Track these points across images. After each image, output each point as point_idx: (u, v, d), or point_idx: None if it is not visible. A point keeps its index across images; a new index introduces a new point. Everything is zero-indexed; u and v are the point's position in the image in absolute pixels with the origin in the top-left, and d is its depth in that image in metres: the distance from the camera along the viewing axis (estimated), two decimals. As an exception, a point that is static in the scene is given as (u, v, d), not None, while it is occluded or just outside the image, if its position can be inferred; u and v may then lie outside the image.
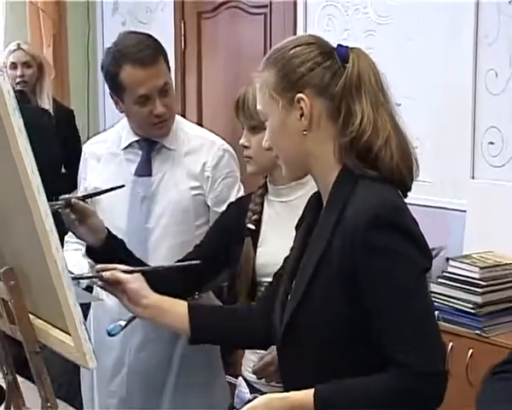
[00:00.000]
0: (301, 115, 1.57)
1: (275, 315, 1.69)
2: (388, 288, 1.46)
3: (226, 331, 1.86)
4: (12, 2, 4.87)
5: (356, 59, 1.57)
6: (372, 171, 1.54)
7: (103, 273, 1.86)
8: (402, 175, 1.56)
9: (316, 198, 1.70)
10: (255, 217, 2.19)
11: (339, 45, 1.61)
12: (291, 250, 1.77)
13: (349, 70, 1.56)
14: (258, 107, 1.65)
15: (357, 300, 1.48)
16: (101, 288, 1.91)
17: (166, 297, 1.86)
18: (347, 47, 1.60)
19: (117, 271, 1.87)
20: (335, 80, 1.56)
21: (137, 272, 1.89)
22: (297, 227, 1.79)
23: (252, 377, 2.16)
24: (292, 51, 1.59)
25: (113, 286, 1.86)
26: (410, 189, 1.61)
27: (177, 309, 1.83)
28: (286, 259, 1.81)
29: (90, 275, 2.00)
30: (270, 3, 4.16)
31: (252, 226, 2.18)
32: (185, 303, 1.83)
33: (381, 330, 1.47)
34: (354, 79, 1.55)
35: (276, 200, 2.18)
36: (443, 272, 2.99)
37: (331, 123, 1.58)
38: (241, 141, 2.15)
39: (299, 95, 1.56)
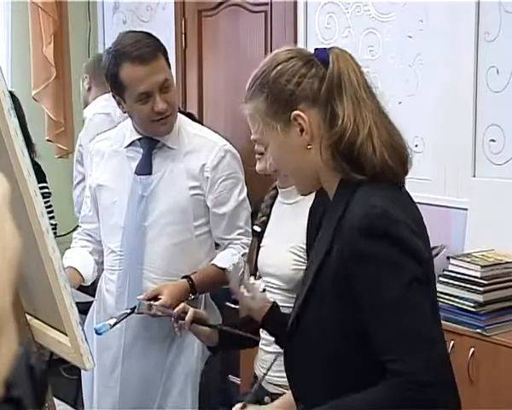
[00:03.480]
0: (301, 131, 1.54)
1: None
2: (376, 295, 1.44)
3: None
4: (16, 1, 4.86)
5: (335, 58, 1.53)
6: (359, 174, 1.50)
7: None
8: (391, 169, 1.51)
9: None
10: (263, 219, 2.18)
11: (316, 49, 1.58)
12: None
13: (330, 71, 1.53)
14: (254, 136, 1.63)
15: (354, 306, 1.46)
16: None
17: None
18: (325, 49, 1.57)
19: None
20: (322, 85, 1.53)
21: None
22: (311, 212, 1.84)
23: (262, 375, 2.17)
24: (274, 72, 1.55)
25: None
26: (403, 180, 1.57)
27: None
28: None
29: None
30: (271, 2, 4.14)
31: (257, 228, 2.18)
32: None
33: (373, 338, 1.45)
34: (335, 80, 1.52)
35: (284, 202, 2.17)
36: (444, 270, 2.98)
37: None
38: (253, 136, 2.12)
39: (295, 112, 1.53)
